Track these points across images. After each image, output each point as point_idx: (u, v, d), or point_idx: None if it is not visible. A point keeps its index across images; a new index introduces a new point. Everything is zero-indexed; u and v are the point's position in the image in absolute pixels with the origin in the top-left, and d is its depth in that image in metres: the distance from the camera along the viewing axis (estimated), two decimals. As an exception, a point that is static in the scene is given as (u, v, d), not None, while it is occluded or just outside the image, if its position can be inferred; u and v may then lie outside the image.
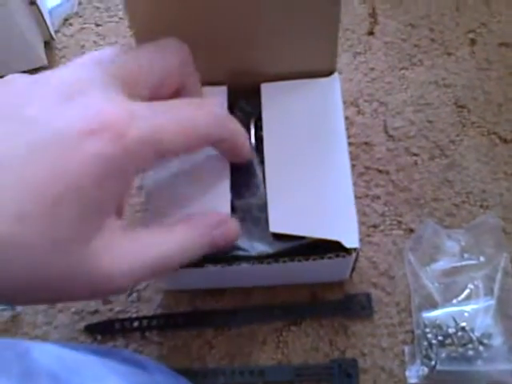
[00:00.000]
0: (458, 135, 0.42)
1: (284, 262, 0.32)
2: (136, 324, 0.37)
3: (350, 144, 0.43)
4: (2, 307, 0.38)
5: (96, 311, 0.38)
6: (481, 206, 0.40)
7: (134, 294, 0.38)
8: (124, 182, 0.23)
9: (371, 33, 0.48)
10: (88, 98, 0.23)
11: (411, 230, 0.39)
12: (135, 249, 0.24)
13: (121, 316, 0.38)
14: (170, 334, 0.37)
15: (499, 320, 0.34)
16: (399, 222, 0.39)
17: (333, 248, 0.31)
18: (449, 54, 0.46)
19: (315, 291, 0.38)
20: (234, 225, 0.30)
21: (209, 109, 0.27)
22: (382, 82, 0.45)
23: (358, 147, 0.42)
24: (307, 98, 0.35)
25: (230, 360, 0.36)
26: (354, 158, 0.42)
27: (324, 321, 0.37)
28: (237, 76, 0.36)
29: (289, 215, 0.32)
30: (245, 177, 0.34)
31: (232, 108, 0.36)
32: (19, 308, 0.38)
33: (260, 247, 0.32)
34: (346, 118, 0.44)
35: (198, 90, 0.30)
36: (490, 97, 0.44)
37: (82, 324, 0.38)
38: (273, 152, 0.34)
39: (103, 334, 0.38)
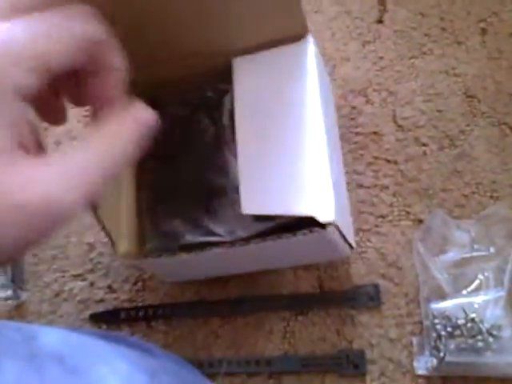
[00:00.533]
0: (467, 125, 0.42)
1: (257, 243, 0.30)
2: (141, 313, 0.37)
3: (358, 134, 0.42)
4: (7, 296, 0.38)
5: (101, 300, 0.38)
6: (491, 197, 0.39)
7: (140, 283, 0.38)
8: (16, 107, 0.19)
9: (380, 21, 0.47)
10: None
11: (420, 221, 0.38)
12: (57, 166, 0.20)
13: (126, 305, 0.38)
14: (176, 324, 0.37)
15: (509, 311, 0.34)
16: (408, 213, 0.39)
17: (312, 225, 0.29)
18: (459, 44, 0.45)
19: (322, 281, 0.37)
20: (151, 114, 0.24)
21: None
22: (391, 71, 0.44)
23: (367, 137, 0.42)
24: (279, 68, 0.33)
25: (236, 349, 0.36)
26: (362, 147, 0.41)
27: (331, 311, 0.36)
28: (208, 57, 0.34)
29: (262, 195, 0.30)
30: (220, 158, 0.33)
31: (205, 88, 0.34)
32: (23, 297, 0.38)
33: (236, 231, 0.31)
34: (354, 108, 0.43)
35: (115, 63, 0.24)
36: (500, 87, 0.43)
37: (87, 313, 0.38)
38: (244, 129, 0.32)
39: (108, 322, 0.37)
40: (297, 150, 0.30)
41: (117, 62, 0.24)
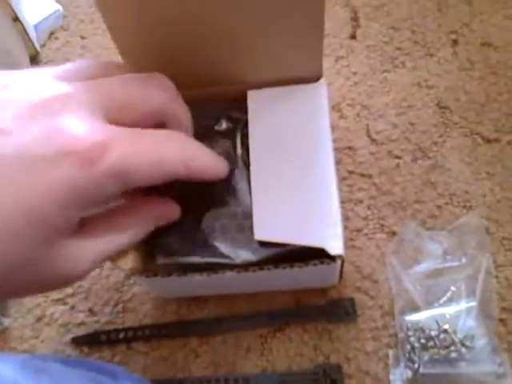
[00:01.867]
0: (440, 136, 0.42)
1: (268, 269, 0.32)
2: (122, 335, 0.38)
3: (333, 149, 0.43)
4: (-9, 322, 0.38)
5: (82, 323, 0.38)
6: (464, 207, 0.39)
7: (120, 305, 0.39)
8: (88, 208, 0.23)
9: (353, 36, 0.48)
10: (64, 117, 0.22)
11: (394, 233, 0.39)
12: (94, 247, 0.24)
13: (107, 327, 0.38)
14: (156, 344, 0.37)
15: (482, 321, 0.34)
16: (382, 226, 0.39)
17: (318, 255, 0.31)
18: (431, 56, 0.46)
19: (299, 296, 0.38)
20: (177, 211, 0.30)
21: (182, 143, 0.26)
22: (364, 86, 0.45)
23: (341, 152, 0.42)
24: (293, 105, 0.36)
25: (214, 368, 0.36)
26: (337, 162, 0.42)
27: (308, 326, 0.37)
28: (224, 84, 0.36)
29: (274, 222, 0.32)
30: (230, 183, 0.34)
31: (219, 115, 0.36)
32: (6, 323, 0.38)
33: (244, 255, 0.32)
34: (329, 123, 0.44)
35: (183, 125, 0.29)
36: (472, 97, 0.44)
37: (69, 336, 0.38)
38: (259, 159, 0.34)
39: (90, 345, 0.38)
40: (308, 181, 0.33)
41: (185, 119, 0.29)
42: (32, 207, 0.21)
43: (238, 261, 0.32)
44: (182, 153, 0.26)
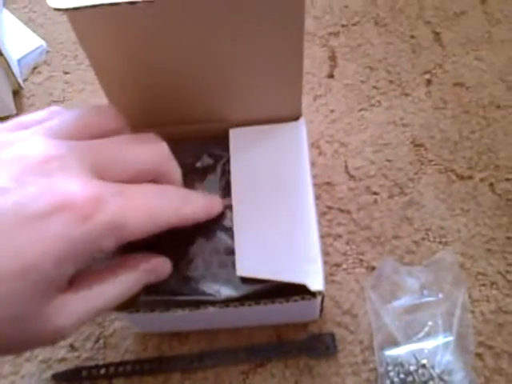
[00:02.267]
0: (416, 173, 0.44)
1: (249, 305, 0.32)
2: (103, 371, 0.37)
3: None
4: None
5: (63, 359, 0.38)
6: (440, 243, 0.41)
7: (101, 341, 0.39)
8: (83, 262, 0.24)
9: (331, 75, 0.49)
10: (57, 176, 0.23)
11: (373, 268, 0.40)
12: (83, 303, 0.25)
13: (88, 363, 0.38)
14: (137, 381, 0.37)
15: (459, 355, 0.35)
16: (361, 260, 0.40)
17: (299, 290, 0.31)
18: (406, 95, 0.48)
19: (280, 331, 0.38)
20: (167, 266, 0.31)
21: (172, 195, 0.28)
22: (342, 123, 0.46)
23: (320, 187, 0.43)
24: (274, 143, 0.37)
25: (196, 405, 0.36)
26: (316, 198, 0.43)
27: (289, 361, 0.37)
28: (205, 122, 0.37)
29: (255, 259, 0.33)
30: (212, 220, 0.35)
31: (200, 152, 0.37)
32: (-15, 359, 0.38)
33: (227, 291, 0.32)
34: (309, 159, 0.45)
35: (174, 181, 0.30)
36: (446, 135, 0.45)
37: (49, 372, 0.38)
38: (240, 196, 0.35)
39: (70, 382, 0.37)
40: (288, 217, 0.34)
41: (176, 176, 0.30)
42: (29, 263, 0.21)
43: (220, 297, 0.32)
44: (173, 205, 0.27)
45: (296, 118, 0.38)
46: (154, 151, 0.28)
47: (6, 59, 0.46)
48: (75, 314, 0.24)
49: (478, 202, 0.42)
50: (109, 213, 0.23)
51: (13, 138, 0.25)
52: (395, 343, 0.36)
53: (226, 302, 0.32)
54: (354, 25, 0.51)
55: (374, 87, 0.48)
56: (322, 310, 0.36)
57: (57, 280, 0.23)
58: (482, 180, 0.43)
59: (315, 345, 0.37)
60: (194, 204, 0.29)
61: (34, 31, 0.52)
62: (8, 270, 0.21)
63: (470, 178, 0.43)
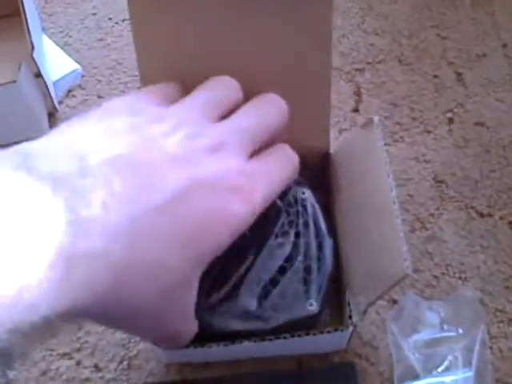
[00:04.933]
0: (437, 209, 0.45)
1: (285, 338, 0.33)
2: (126, 392, 0.38)
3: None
4: (-5, 373, 0.39)
5: (87, 379, 0.39)
6: (459, 278, 0.41)
7: (125, 362, 0.39)
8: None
9: (356, 110, 0.51)
10: (227, 157, 0.26)
11: (394, 301, 0.41)
12: None
13: None
14: (160, 403, 0.38)
15: (478, 391, 0.35)
16: (382, 293, 0.41)
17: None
18: (428, 132, 0.49)
19: (301, 360, 0.39)
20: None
21: (294, 162, 0.32)
22: (365, 157, 0.48)
23: (343, 219, 0.44)
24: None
25: (217, 429, 0.37)
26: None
27: (310, 390, 0.38)
28: None
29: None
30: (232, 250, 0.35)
31: None
32: (11, 375, 0.39)
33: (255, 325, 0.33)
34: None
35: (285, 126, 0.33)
36: (467, 173, 0.47)
37: (73, 391, 0.38)
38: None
39: (93, 401, 0.38)
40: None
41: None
42: (213, 239, 0.24)
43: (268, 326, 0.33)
44: (293, 170, 0.32)
45: (325, 150, 0.39)
46: (277, 110, 0.31)
47: (44, 80, 0.48)
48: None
49: (498, 239, 0.43)
50: (262, 190, 0.26)
51: (172, 121, 0.26)
52: (415, 376, 0.37)
53: (261, 336, 0.33)
54: (379, 62, 0.53)
55: (398, 123, 0.50)
56: (349, 340, 0.37)
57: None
58: (501, 218, 0.44)
59: (336, 375, 0.38)
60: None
61: (70, 55, 0.54)
62: (192, 250, 0.23)
63: (490, 215, 0.44)
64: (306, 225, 0.35)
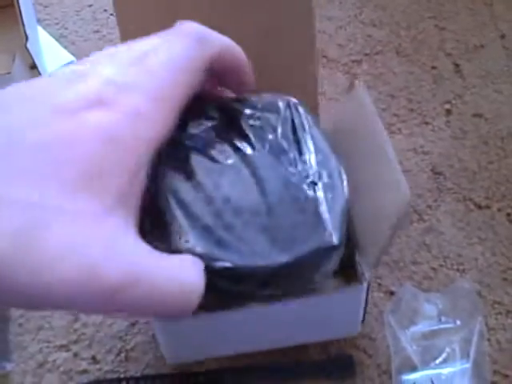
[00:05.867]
0: (435, 201, 0.45)
1: (298, 297, 0.31)
2: (123, 384, 0.38)
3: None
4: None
5: (84, 371, 0.39)
6: (457, 270, 0.41)
7: (123, 354, 0.39)
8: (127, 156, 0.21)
9: (353, 102, 0.50)
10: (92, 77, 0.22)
11: (391, 293, 0.41)
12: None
13: (109, 376, 0.39)
14: (157, 395, 0.38)
15: (475, 382, 0.36)
16: (379, 285, 0.41)
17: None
18: (426, 124, 0.49)
19: (299, 352, 0.39)
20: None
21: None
22: (363, 149, 0.48)
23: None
24: None
25: (215, 421, 0.37)
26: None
27: (307, 383, 0.38)
28: None
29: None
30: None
31: None
32: (8, 368, 0.39)
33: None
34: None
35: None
36: (464, 164, 0.46)
37: (71, 384, 0.38)
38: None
39: (91, 394, 0.38)
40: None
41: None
42: (77, 157, 0.20)
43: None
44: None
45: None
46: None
47: (39, 73, 0.48)
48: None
49: (495, 231, 0.43)
50: (132, 97, 0.23)
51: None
52: (413, 368, 0.37)
53: (274, 296, 0.29)
54: (377, 54, 0.53)
55: (395, 115, 0.49)
56: (364, 319, 0.37)
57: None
58: (499, 210, 0.44)
59: (333, 367, 0.38)
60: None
61: (66, 47, 0.54)
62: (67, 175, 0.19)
63: (488, 207, 0.44)
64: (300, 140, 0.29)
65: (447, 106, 0.50)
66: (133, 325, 0.40)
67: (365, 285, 0.32)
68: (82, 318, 0.41)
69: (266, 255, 0.25)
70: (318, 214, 0.26)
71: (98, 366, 0.39)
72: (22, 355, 0.39)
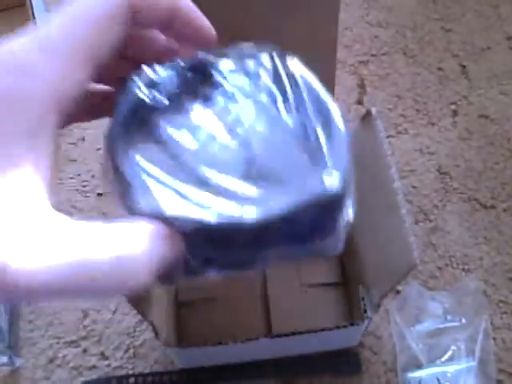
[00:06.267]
0: (441, 200, 0.45)
1: (301, 333, 0.33)
2: (132, 381, 0.39)
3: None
4: (2, 363, 0.39)
5: (93, 367, 0.39)
6: (463, 269, 0.42)
7: (131, 351, 0.40)
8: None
9: (360, 102, 0.51)
10: None
11: (397, 291, 0.41)
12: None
13: (118, 372, 0.39)
14: (165, 390, 0.38)
15: (480, 381, 0.36)
16: (386, 284, 0.41)
17: None
18: (432, 124, 0.49)
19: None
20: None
21: None
22: (369, 149, 0.48)
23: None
24: None
25: (222, 417, 0.37)
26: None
27: (314, 379, 0.38)
28: None
29: None
30: None
31: None
32: (18, 363, 0.39)
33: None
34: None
35: None
36: (470, 164, 0.47)
37: (80, 379, 0.39)
38: None
39: (100, 389, 0.39)
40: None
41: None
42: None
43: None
44: None
45: None
46: None
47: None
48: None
49: (501, 231, 0.43)
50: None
51: None
52: (418, 366, 0.37)
53: (273, 336, 0.33)
54: (384, 54, 0.53)
55: (402, 115, 0.50)
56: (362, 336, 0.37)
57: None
58: (504, 210, 0.44)
59: (340, 364, 0.38)
60: None
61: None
62: None
63: (493, 207, 0.45)
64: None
65: (453, 107, 0.50)
66: (141, 321, 0.40)
67: (366, 322, 0.33)
68: (91, 315, 0.41)
69: (251, 208, 0.19)
70: (315, 157, 0.21)
71: (106, 362, 0.40)
72: (32, 351, 0.40)
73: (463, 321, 0.38)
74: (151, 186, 0.20)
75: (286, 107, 0.22)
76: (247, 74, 0.24)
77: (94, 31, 0.20)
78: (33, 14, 0.46)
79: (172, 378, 0.39)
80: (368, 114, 0.36)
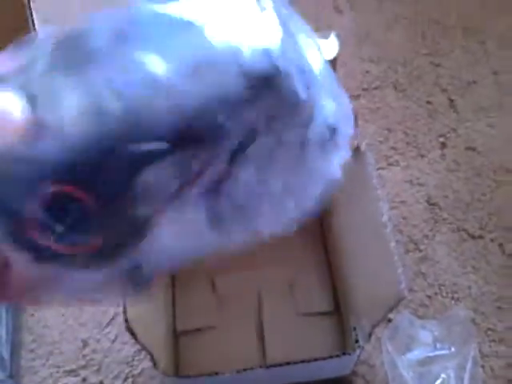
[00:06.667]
0: (430, 230, 0.47)
1: (295, 363, 0.34)
2: (130, 408, 0.39)
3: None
4: (2, 379, 0.40)
5: (93, 395, 0.40)
6: (452, 298, 0.43)
7: (130, 379, 0.41)
8: None
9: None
10: None
11: (389, 320, 0.42)
12: None
13: (116, 400, 0.40)
14: (163, 419, 0.39)
15: (469, 408, 0.37)
16: (377, 312, 0.43)
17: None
18: (422, 156, 0.51)
19: (300, 378, 0.40)
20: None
21: None
22: (361, 181, 0.50)
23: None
24: None
25: None
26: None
27: (308, 407, 0.39)
28: None
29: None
30: None
31: None
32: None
33: None
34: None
35: None
36: (459, 195, 0.48)
37: (79, 407, 0.40)
38: None
39: (99, 417, 0.40)
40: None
41: None
42: None
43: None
44: None
45: None
46: None
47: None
48: None
49: (488, 260, 0.45)
50: None
51: None
52: (409, 393, 0.38)
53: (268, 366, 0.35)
54: (375, 89, 0.55)
55: (392, 148, 0.52)
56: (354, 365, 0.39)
57: None
58: (492, 240, 0.46)
59: (333, 392, 0.39)
60: None
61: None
62: None
63: (481, 237, 0.46)
64: None
65: (442, 140, 0.52)
66: (140, 350, 0.41)
67: (358, 351, 0.35)
68: (90, 344, 0.42)
69: None
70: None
71: (106, 391, 0.40)
72: (33, 380, 0.41)
73: (452, 349, 0.39)
74: None
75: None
76: None
77: None
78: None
79: (169, 407, 0.39)
80: (358, 148, 0.38)
